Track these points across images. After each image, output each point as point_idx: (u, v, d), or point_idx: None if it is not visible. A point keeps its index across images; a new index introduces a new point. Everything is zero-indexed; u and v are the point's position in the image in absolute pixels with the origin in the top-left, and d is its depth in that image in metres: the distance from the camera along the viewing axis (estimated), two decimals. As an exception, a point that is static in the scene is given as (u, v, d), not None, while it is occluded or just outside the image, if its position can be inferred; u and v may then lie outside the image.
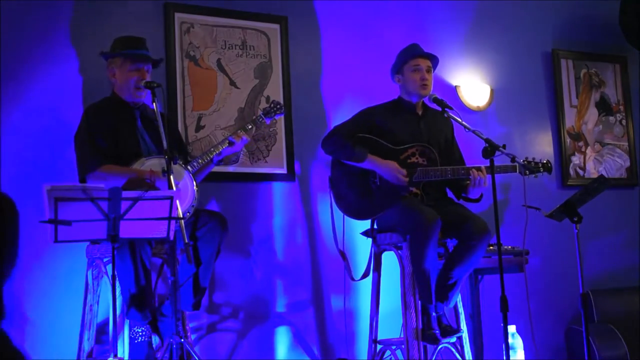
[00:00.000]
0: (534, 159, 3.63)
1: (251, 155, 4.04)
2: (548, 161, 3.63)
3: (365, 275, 3.74)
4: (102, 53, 3.42)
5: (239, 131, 3.47)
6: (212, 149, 3.40)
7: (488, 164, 3.18)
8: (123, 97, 3.36)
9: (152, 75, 3.40)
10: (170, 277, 2.98)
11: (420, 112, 3.75)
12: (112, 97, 3.40)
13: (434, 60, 3.74)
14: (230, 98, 4.04)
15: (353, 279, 3.79)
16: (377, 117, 3.68)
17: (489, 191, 3.13)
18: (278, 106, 3.66)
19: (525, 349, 4.01)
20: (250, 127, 3.53)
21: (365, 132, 3.64)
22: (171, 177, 2.96)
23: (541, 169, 3.58)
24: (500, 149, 3.12)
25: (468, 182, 3.60)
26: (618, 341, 4.41)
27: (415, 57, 3.69)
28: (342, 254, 3.76)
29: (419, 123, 3.72)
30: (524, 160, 3.50)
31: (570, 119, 5.04)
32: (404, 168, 3.56)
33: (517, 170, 3.49)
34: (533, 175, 3.53)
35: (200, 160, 3.34)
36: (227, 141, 3.41)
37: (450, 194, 3.79)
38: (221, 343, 3.86)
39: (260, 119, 3.61)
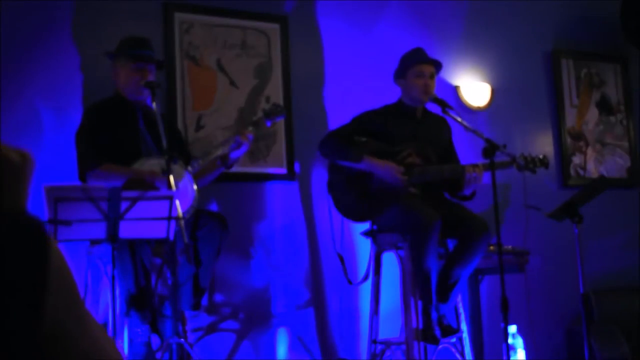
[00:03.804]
0: (530, 154, 3.63)
1: (251, 155, 4.03)
2: (545, 156, 3.63)
3: (364, 278, 3.73)
4: (106, 53, 3.44)
5: (243, 130, 3.43)
6: (212, 150, 3.38)
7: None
8: (126, 96, 3.37)
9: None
10: (170, 277, 2.98)
11: (419, 117, 3.75)
12: (114, 97, 3.41)
13: (438, 66, 3.73)
14: (230, 98, 4.04)
15: (350, 283, 3.78)
16: (375, 120, 3.68)
17: (490, 191, 3.13)
18: (279, 109, 3.61)
19: (525, 349, 4.01)
20: (250, 129, 3.50)
21: (363, 135, 3.64)
22: (171, 177, 2.96)
23: (538, 164, 3.58)
24: (501, 148, 3.12)
25: (463, 181, 3.61)
26: (619, 341, 4.40)
27: (419, 64, 3.68)
28: (340, 257, 3.75)
29: (417, 127, 3.71)
30: (520, 156, 3.50)
31: (570, 119, 5.03)
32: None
33: (515, 166, 3.49)
34: (531, 172, 3.52)
35: (200, 161, 3.33)
36: (232, 140, 3.38)
37: (446, 194, 3.79)
38: (221, 343, 3.86)
39: (261, 122, 3.57)
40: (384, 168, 3.52)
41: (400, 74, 3.72)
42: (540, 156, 3.63)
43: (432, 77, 3.68)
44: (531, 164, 3.53)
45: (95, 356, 0.63)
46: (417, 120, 3.74)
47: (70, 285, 0.64)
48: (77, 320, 0.63)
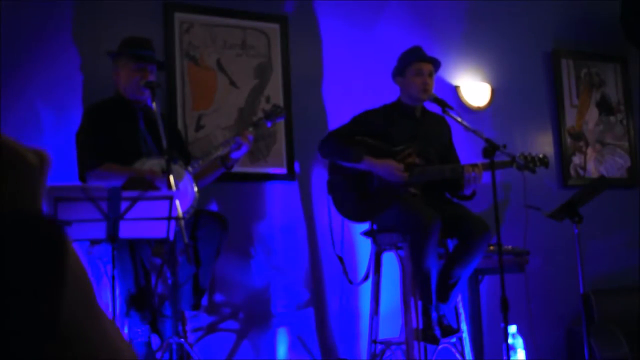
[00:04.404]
0: (529, 153, 3.62)
1: (251, 155, 4.02)
2: (545, 155, 3.62)
3: (365, 278, 3.74)
4: (108, 52, 3.44)
5: (244, 131, 3.43)
6: (212, 150, 3.39)
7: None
8: (127, 96, 3.36)
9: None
10: (170, 277, 2.98)
11: (419, 116, 3.75)
12: (114, 97, 3.41)
13: (436, 65, 3.73)
14: (230, 98, 4.04)
15: (351, 283, 3.79)
16: (375, 120, 3.68)
17: (490, 191, 3.13)
18: (279, 110, 3.61)
19: (525, 349, 4.01)
20: (250, 129, 3.50)
21: (362, 135, 3.64)
22: (171, 177, 2.96)
23: (538, 163, 3.57)
24: (501, 149, 3.12)
25: (462, 180, 3.61)
26: (619, 341, 4.40)
27: (417, 62, 3.68)
28: (340, 259, 3.76)
29: (417, 126, 3.71)
30: (520, 155, 3.50)
31: (570, 119, 5.03)
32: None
33: (515, 166, 3.49)
34: (530, 171, 3.52)
35: (200, 162, 3.33)
36: (233, 141, 3.38)
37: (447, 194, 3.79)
38: (221, 343, 3.86)
39: (261, 122, 3.57)
40: (384, 167, 3.52)
41: (399, 72, 3.72)
42: (540, 155, 3.62)
43: (430, 75, 3.68)
44: (531, 163, 3.53)
45: (110, 357, 0.64)
46: (417, 119, 3.73)
47: (86, 285, 0.64)
48: (92, 321, 0.63)
